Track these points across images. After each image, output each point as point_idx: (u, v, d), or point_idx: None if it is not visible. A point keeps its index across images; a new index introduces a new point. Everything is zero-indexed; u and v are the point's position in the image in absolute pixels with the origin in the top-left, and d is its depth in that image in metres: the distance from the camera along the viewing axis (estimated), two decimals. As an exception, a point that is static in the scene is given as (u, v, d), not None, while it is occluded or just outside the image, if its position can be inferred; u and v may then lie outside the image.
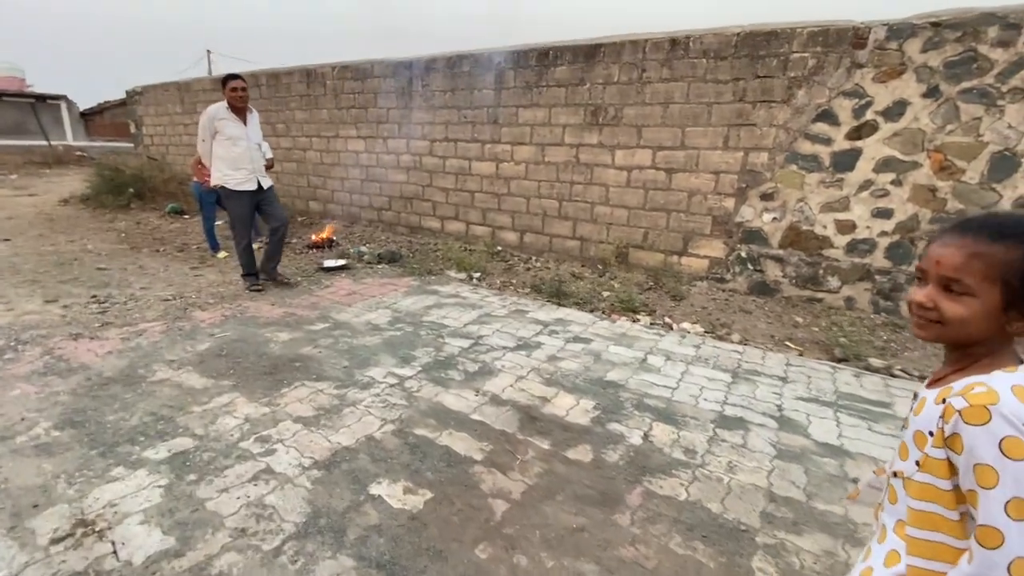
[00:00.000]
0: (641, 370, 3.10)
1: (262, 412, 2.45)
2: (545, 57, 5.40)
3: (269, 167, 7.01)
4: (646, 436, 2.39)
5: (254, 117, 4.40)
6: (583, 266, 5.62)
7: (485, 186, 6.18)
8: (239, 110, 4.21)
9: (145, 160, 10.34)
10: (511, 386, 2.82)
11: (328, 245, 6.59)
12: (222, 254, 6.26)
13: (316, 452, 2.15)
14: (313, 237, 6.81)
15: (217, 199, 6.31)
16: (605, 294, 4.83)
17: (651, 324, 4.03)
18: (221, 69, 32.37)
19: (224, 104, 4.19)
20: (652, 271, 5.20)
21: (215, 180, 4.32)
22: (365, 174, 7.31)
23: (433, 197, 6.71)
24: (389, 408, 2.54)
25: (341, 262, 5.36)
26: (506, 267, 5.69)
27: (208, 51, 27.91)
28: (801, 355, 3.53)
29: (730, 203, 4.71)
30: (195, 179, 6.18)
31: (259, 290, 4.47)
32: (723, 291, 4.83)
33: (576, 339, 3.57)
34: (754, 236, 4.66)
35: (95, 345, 3.16)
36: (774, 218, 4.56)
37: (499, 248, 6.13)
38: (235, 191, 4.30)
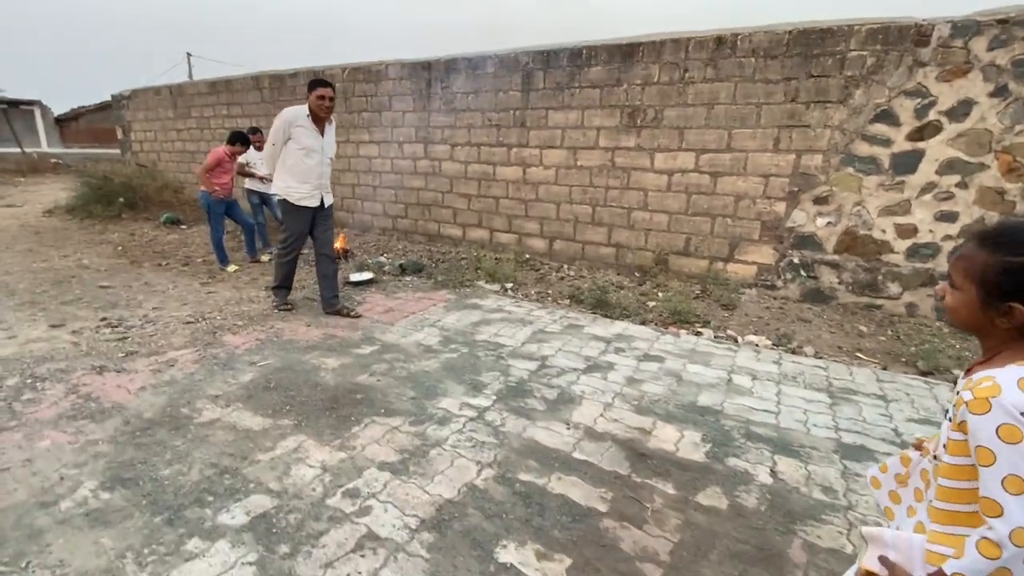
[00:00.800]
0: (732, 392, 2.86)
1: (339, 458, 2.15)
2: (578, 57, 5.16)
3: None
4: (774, 473, 2.16)
5: (332, 129, 3.89)
6: (619, 274, 5.39)
7: (511, 192, 5.91)
8: (319, 120, 3.72)
9: (135, 167, 9.83)
10: (601, 416, 2.56)
11: (343, 256, 6.24)
12: (232, 267, 5.88)
13: (418, 508, 1.86)
14: (327, 247, 6.46)
15: (226, 210, 5.95)
16: (651, 304, 4.60)
17: (715, 337, 3.81)
18: (202, 72, 31.52)
19: (305, 110, 3.68)
20: (696, 278, 4.99)
21: (276, 189, 3.89)
22: (378, 180, 6.99)
23: (454, 204, 6.41)
24: (479, 448, 2.25)
25: (368, 275, 5.03)
26: (538, 276, 5.43)
27: (188, 54, 27.11)
28: (885, 369, 3.34)
29: (781, 207, 4.53)
30: (202, 188, 5.80)
31: (288, 309, 4.12)
32: (774, 299, 4.64)
33: (647, 357, 3.32)
34: (807, 241, 4.49)
35: (124, 379, 2.80)
36: (829, 223, 4.38)
37: (527, 256, 5.87)
38: (296, 206, 3.84)
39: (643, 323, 4.18)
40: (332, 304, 4.06)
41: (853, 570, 1.02)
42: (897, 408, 2.75)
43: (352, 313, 4.01)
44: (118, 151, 18.26)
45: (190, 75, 26.94)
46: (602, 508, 1.90)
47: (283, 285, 4.17)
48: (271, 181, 6.59)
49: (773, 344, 3.73)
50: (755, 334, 3.93)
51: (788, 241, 4.56)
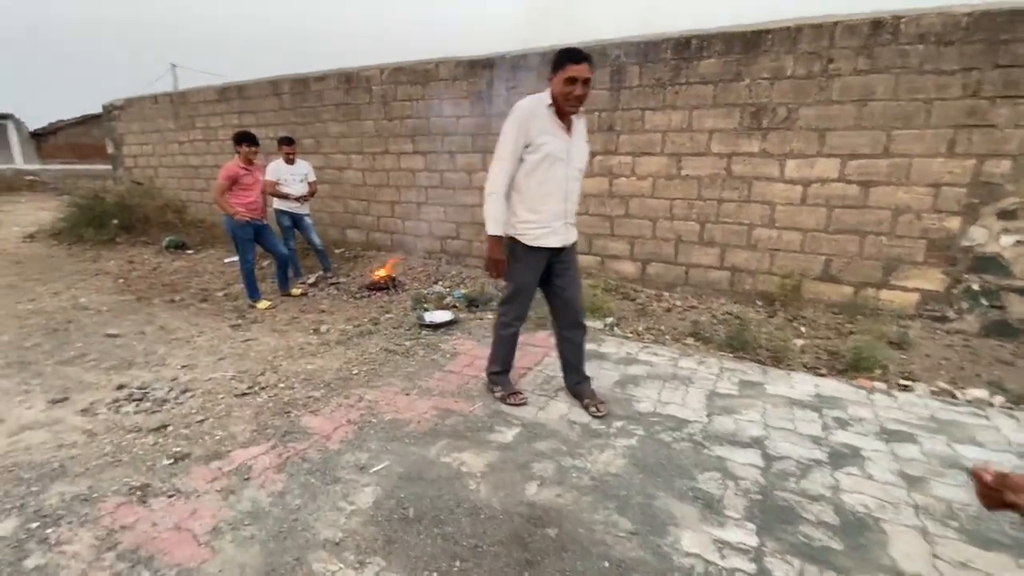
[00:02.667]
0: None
1: None
2: (685, 48, 4.35)
3: (312, 194, 5.72)
4: None
5: (582, 126, 2.53)
6: (736, 302, 4.54)
7: (593, 207, 5.06)
8: (564, 115, 2.39)
9: (129, 185, 8.77)
10: (936, 558, 1.68)
11: (391, 285, 5.32)
12: (263, 303, 4.92)
13: None
14: (372, 276, 5.52)
15: (256, 235, 4.98)
16: (798, 342, 3.76)
17: (931, 393, 2.97)
18: (188, 83, 30.35)
19: (545, 99, 2.37)
20: (838, 307, 4.17)
21: (507, 228, 2.52)
22: (424, 196, 6.08)
23: (518, 222, 5.52)
24: (821, 650, 1.35)
25: (448, 316, 4.09)
26: (638, 308, 4.55)
27: (173, 65, 25.91)
28: None
29: (954, 223, 3.74)
30: (224, 212, 4.83)
31: (521, 403, 2.70)
32: (947, 333, 3.83)
33: (888, 434, 2.45)
34: (989, 264, 3.70)
35: (183, 512, 1.85)
36: (1018, 241, 3.60)
37: (613, 282, 5.00)
38: (528, 247, 2.50)
39: (807, 368, 3.34)
40: (580, 390, 2.76)
41: None
42: None
43: (600, 412, 2.61)
44: (100, 167, 17.07)
45: (174, 86, 25.76)
46: None
47: (505, 368, 2.84)
48: (305, 200, 5.67)
49: (1009, 402, 2.90)
50: (967, 386, 3.10)
51: (964, 263, 3.76)
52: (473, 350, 3.50)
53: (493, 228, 2.43)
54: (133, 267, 6.58)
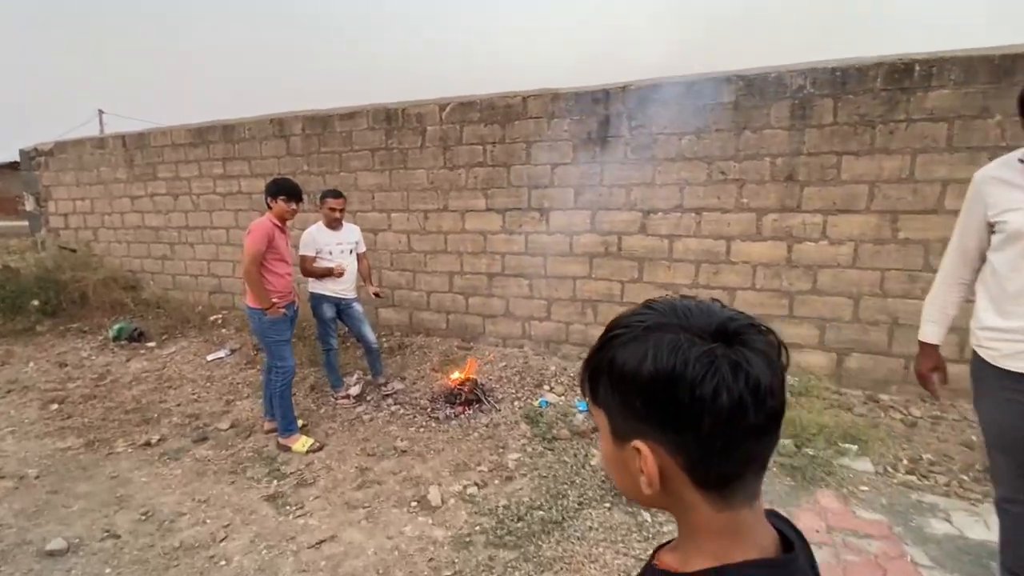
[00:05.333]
0: None
1: None
2: (905, 76, 3.32)
3: (367, 271, 4.12)
4: None
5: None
6: (987, 409, 3.36)
7: (761, 279, 3.81)
8: None
9: (56, 251, 6.64)
10: None
11: (480, 396, 3.74)
12: (302, 442, 3.19)
13: None
14: (447, 381, 3.91)
15: (291, 330, 3.30)
16: None
17: None
18: (115, 129, 27.47)
19: (1018, 152, 1.59)
20: None
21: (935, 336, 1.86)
22: (499, 265, 4.61)
23: (642, 298, 4.17)
24: None
25: None
26: (866, 421, 3.26)
27: (100, 111, 23.24)
28: None
29: None
30: (249, 303, 3.17)
31: None
32: None
33: None
34: None
35: None
36: None
37: (795, 380, 3.69)
38: (996, 369, 1.69)
39: None
40: None
41: None
42: None
43: None
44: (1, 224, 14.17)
45: (101, 131, 22.96)
46: None
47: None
48: (373, 288, 3.92)
49: None
50: None
51: None
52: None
53: (921, 331, 1.89)
54: (68, 375, 4.54)
